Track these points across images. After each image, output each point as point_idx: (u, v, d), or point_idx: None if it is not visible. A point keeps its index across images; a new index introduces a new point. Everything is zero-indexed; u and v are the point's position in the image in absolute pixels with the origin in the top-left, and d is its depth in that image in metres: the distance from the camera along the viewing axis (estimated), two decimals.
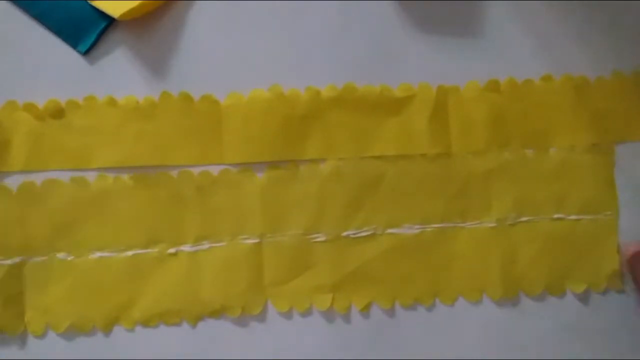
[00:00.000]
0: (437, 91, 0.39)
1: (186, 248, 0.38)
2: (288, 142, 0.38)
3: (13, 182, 0.37)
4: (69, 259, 0.37)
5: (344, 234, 0.38)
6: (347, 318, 0.38)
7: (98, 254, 0.37)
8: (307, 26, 0.39)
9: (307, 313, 0.38)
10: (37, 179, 0.38)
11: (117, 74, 0.39)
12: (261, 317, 0.38)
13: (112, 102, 0.38)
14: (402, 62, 0.39)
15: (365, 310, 0.38)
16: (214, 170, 0.38)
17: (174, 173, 0.38)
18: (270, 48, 0.39)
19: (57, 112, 0.38)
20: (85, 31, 0.39)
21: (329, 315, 0.38)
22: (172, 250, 0.38)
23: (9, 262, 0.37)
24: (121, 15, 0.37)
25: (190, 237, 0.38)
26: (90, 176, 0.38)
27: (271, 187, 0.38)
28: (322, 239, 0.38)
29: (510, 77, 0.39)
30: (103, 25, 0.39)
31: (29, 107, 0.38)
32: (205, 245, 0.38)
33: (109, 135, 0.38)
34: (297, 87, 0.39)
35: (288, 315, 0.38)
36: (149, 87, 0.38)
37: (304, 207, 0.38)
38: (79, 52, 0.39)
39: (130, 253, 0.37)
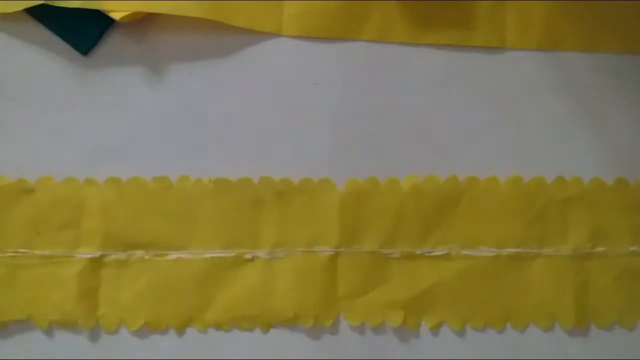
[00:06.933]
0: None
1: (262, 254, 0.38)
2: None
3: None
4: (146, 257, 0.37)
5: (419, 251, 0.38)
6: (417, 335, 0.38)
7: (175, 255, 0.38)
8: None
9: (379, 328, 0.38)
10: (124, 174, 0.38)
11: (118, 74, 0.39)
12: (333, 329, 0.38)
13: None
14: None
15: (436, 329, 0.38)
16: (295, 178, 0.38)
17: (255, 178, 0.38)
18: None
19: None
20: (86, 31, 0.39)
21: (400, 331, 0.38)
22: (248, 256, 0.38)
23: (89, 255, 0.37)
24: (122, 18, 0.37)
25: (267, 243, 0.38)
26: (173, 176, 0.38)
27: (350, 200, 0.38)
28: (397, 255, 0.38)
29: None
30: (104, 25, 0.39)
31: None
32: (281, 253, 0.38)
33: None
34: None
35: (360, 329, 0.38)
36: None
37: (381, 222, 0.38)
38: (79, 52, 0.39)
39: (207, 255, 0.38)
